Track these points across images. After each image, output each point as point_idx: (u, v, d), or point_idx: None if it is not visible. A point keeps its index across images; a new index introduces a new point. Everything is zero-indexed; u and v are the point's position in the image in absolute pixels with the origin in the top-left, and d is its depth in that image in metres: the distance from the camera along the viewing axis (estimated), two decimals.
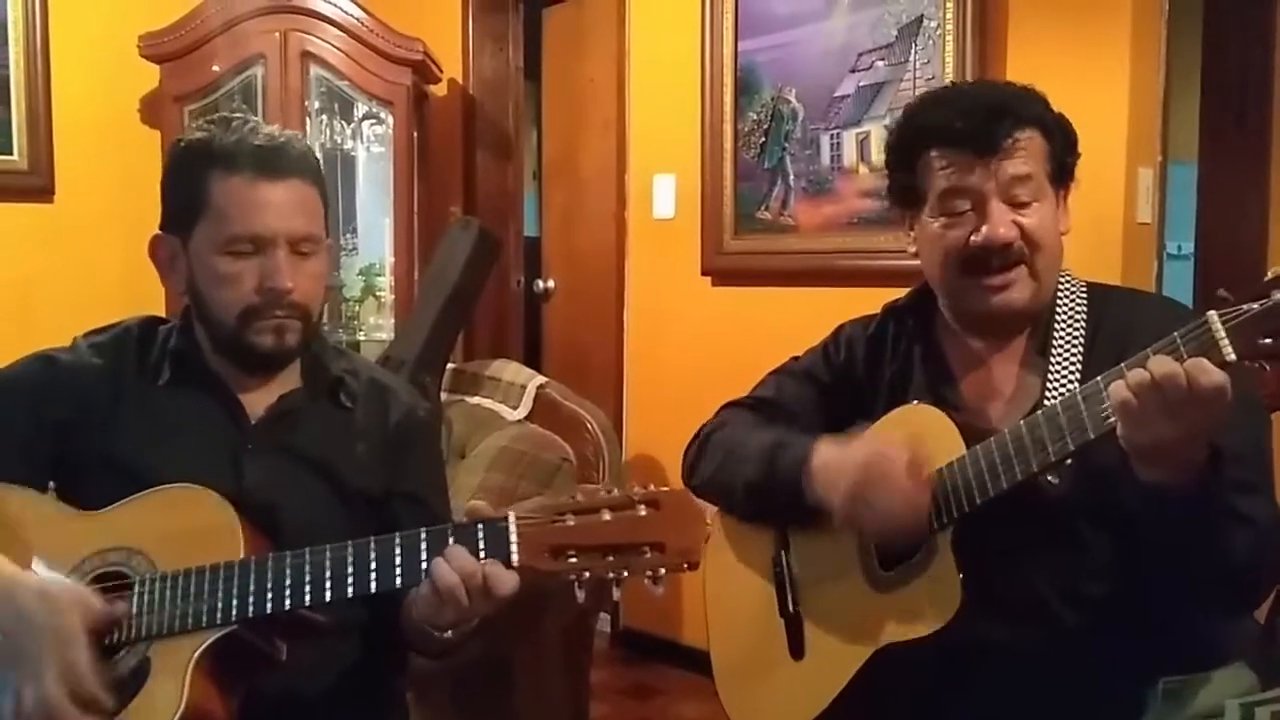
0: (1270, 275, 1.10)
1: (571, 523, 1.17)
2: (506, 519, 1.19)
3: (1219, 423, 1.11)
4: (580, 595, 1.18)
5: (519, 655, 2.02)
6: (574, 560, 1.16)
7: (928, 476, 1.31)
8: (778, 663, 1.49)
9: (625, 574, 1.16)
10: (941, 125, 1.40)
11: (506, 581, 1.18)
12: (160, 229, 1.46)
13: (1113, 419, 1.16)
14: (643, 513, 1.16)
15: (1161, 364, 1.10)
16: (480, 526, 1.20)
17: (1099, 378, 1.21)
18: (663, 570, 1.16)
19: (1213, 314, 1.11)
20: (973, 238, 1.38)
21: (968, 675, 1.34)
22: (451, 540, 1.20)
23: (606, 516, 1.16)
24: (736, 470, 1.50)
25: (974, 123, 1.37)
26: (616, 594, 1.19)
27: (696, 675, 2.98)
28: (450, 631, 1.30)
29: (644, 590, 1.17)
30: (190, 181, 1.39)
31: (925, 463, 1.31)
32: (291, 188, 1.39)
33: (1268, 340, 1.08)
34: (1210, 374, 1.08)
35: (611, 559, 1.16)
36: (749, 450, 1.49)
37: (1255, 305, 1.08)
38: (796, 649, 1.48)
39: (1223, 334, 1.10)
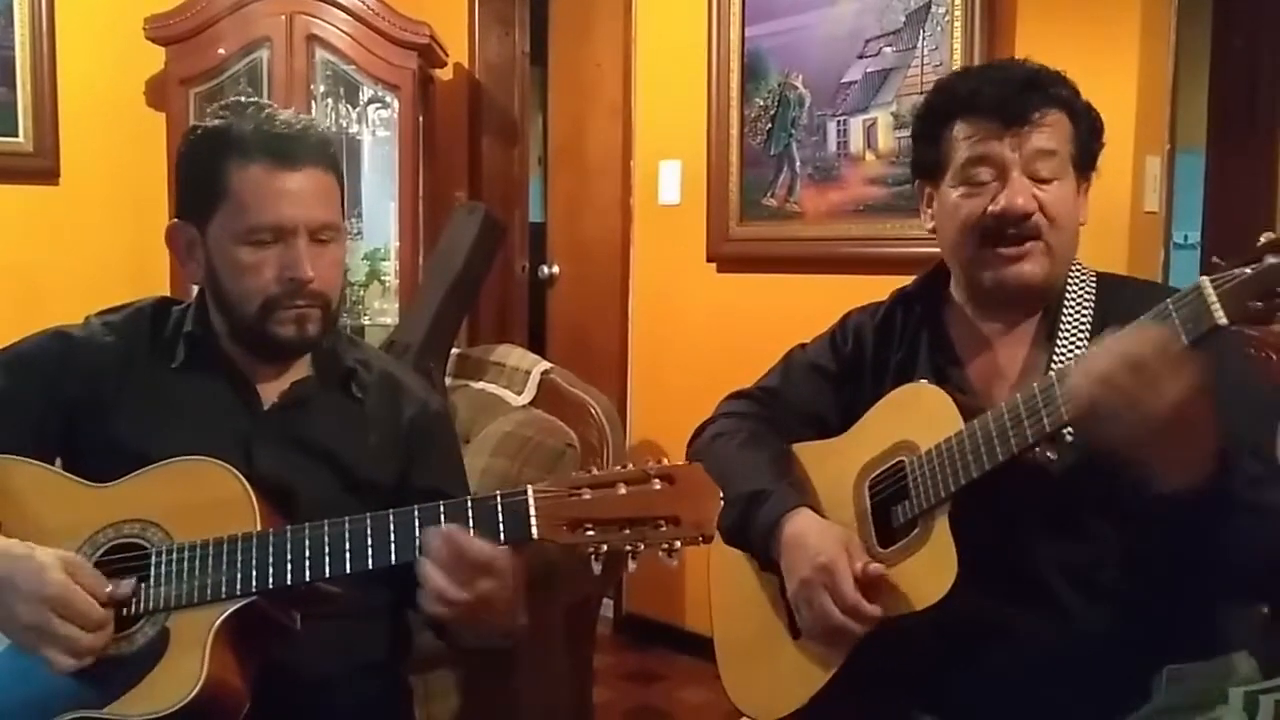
0: (1263, 240, 1.11)
1: (588, 496, 1.19)
2: (525, 493, 1.20)
3: (1182, 390, 1.09)
4: (596, 568, 1.20)
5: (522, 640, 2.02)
6: (591, 533, 1.18)
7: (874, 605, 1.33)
8: (779, 643, 1.50)
9: (641, 546, 1.18)
10: (970, 94, 1.41)
11: (480, 550, 1.18)
12: (176, 216, 1.45)
13: None
14: (657, 487, 1.19)
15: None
16: (499, 501, 1.21)
17: (1073, 359, 1.23)
18: (678, 543, 1.18)
19: (1204, 279, 1.12)
20: (991, 206, 1.38)
21: (969, 656, 1.34)
22: (470, 514, 1.22)
23: (622, 490, 1.19)
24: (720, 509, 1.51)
25: (1003, 92, 1.37)
26: (632, 566, 1.20)
27: (699, 660, 2.99)
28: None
29: (647, 576, 1.18)
30: (207, 170, 1.38)
31: (880, 579, 1.34)
32: (309, 176, 1.38)
33: (1259, 304, 1.10)
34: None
35: (627, 532, 1.18)
36: (732, 490, 1.46)
37: (1247, 270, 1.10)
38: (796, 628, 1.49)
39: (1214, 298, 1.11)
